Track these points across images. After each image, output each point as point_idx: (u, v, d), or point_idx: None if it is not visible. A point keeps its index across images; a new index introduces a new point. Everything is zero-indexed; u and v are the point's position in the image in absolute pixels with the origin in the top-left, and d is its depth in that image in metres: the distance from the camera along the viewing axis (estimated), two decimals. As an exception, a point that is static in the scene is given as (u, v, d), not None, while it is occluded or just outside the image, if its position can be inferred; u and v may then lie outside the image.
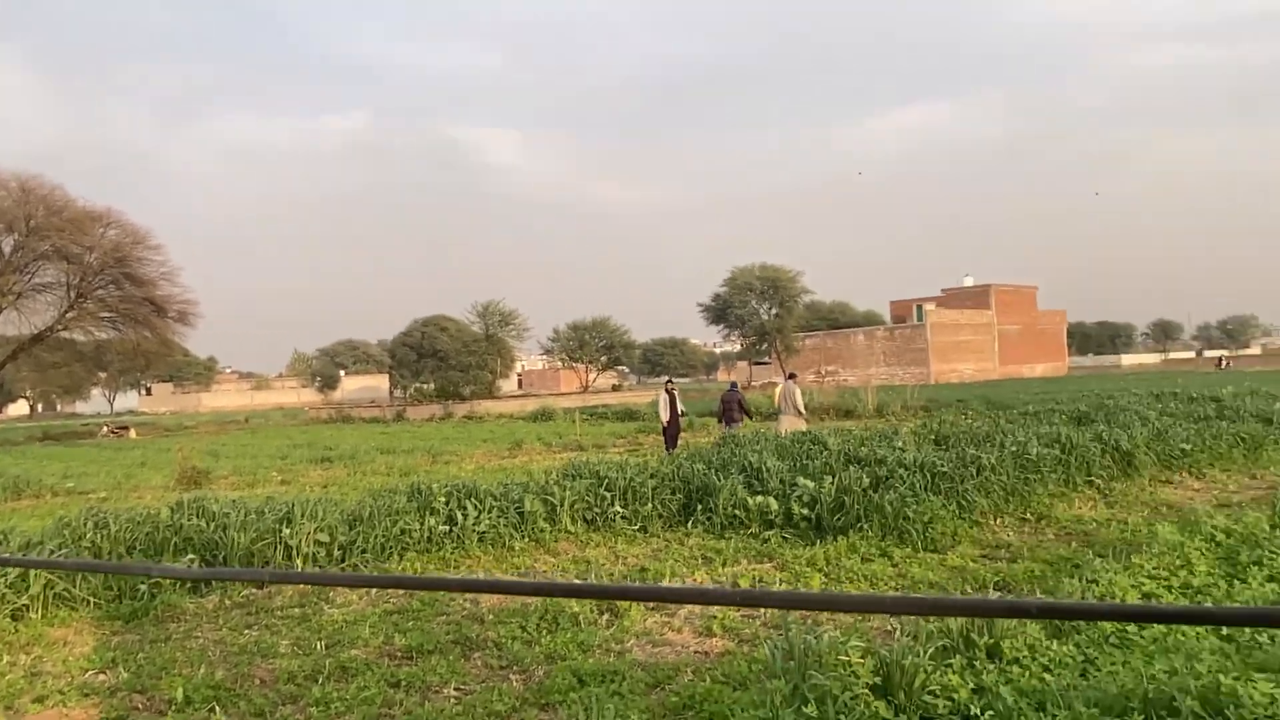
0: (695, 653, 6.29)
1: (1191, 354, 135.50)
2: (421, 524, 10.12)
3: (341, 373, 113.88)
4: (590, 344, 76.32)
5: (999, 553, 9.07)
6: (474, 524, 10.18)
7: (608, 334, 77.17)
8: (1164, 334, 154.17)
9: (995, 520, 10.55)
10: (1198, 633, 5.59)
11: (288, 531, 9.35)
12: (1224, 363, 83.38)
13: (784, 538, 9.91)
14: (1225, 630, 5.65)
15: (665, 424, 20.78)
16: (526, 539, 10.30)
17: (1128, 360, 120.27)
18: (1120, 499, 11.97)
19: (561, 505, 10.75)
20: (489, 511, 10.36)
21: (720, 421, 20.74)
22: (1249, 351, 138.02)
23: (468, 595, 8.18)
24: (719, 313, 74.48)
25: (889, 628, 6.15)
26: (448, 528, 10.16)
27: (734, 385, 23.31)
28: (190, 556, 8.95)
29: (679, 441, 20.52)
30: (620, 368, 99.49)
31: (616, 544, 10.19)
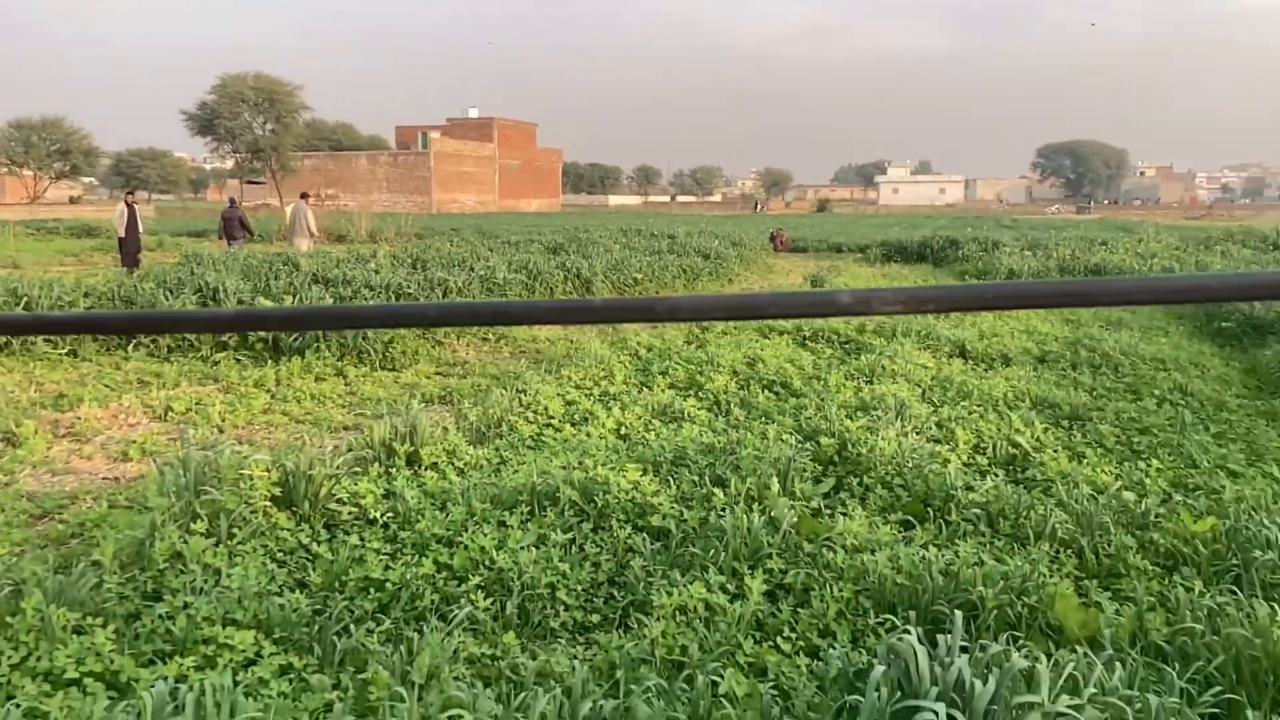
0: (104, 479, 5.71)
1: (667, 198, 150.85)
2: None
3: None
4: (39, 146, 65.00)
5: (454, 369, 9.39)
6: None
7: (62, 137, 66.26)
8: (645, 179, 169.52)
9: (458, 340, 10.88)
10: (602, 434, 6.23)
11: None
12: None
13: (237, 360, 9.34)
14: (622, 432, 6.37)
15: (122, 239, 18.56)
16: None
17: (614, 201, 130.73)
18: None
19: (-38, 328, 9.10)
20: None
21: (221, 238, 19.39)
22: (712, 199, 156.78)
23: None
24: (206, 123, 67.25)
25: (300, 443, 6.00)
26: None
27: (233, 201, 21.77)
28: None
29: (140, 261, 18.44)
30: (86, 179, 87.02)
31: (35, 369, 8.90)
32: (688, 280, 17.62)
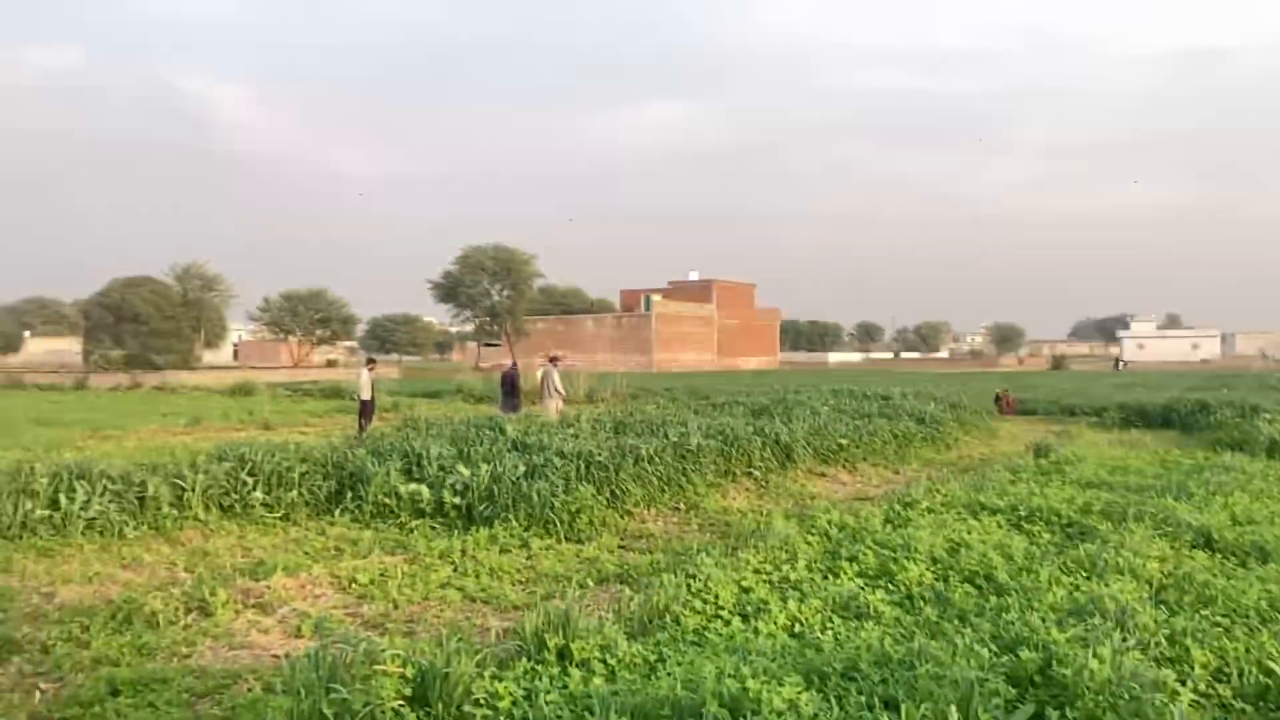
0: (274, 656, 5.77)
1: (890, 354, 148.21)
2: (15, 508, 8.89)
3: (26, 333, 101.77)
4: (304, 315, 72.28)
5: (638, 543, 9.15)
6: (81, 509, 9.06)
7: (324, 306, 73.51)
8: (867, 335, 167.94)
9: (648, 510, 10.69)
10: (773, 631, 5.74)
11: None
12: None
13: (433, 527, 9.53)
14: (796, 629, 5.85)
15: (365, 402, 19.99)
16: (146, 526, 9.29)
17: (834, 358, 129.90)
18: (773, 490, 12.53)
19: (193, 489, 9.80)
20: (102, 495, 9.26)
21: (509, 396, 21.00)
22: (938, 355, 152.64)
23: (44, 587, 7.23)
24: (449, 291, 73.03)
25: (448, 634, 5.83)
26: (49, 512, 8.99)
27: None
28: None
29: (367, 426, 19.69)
30: (348, 343, 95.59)
31: (248, 533, 9.41)
32: (899, 447, 16.76)
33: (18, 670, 5.46)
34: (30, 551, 8.46)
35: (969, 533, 8.37)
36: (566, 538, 9.11)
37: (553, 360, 21.85)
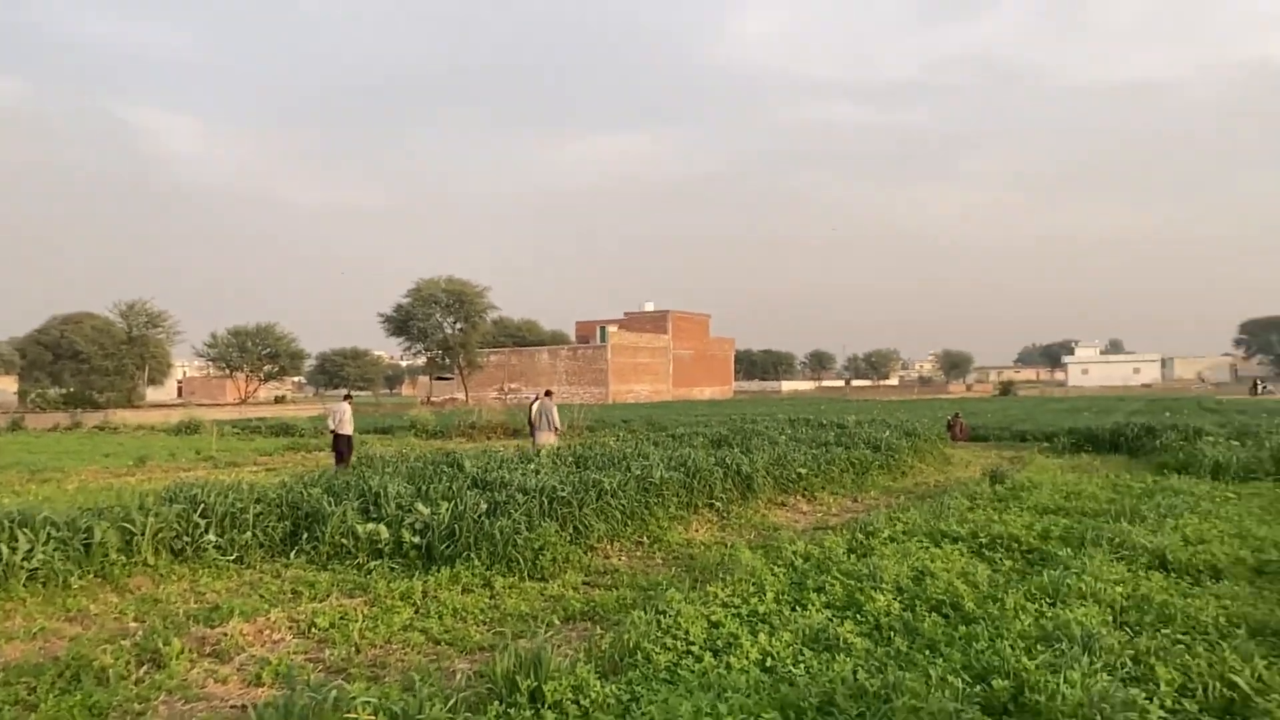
0: (232, 707, 5.58)
1: (841, 382, 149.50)
2: (-51, 560, 8.55)
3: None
4: (253, 351, 71.20)
5: (603, 579, 9.04)
6: (24, 559, 8.73)
7: (273, 341, 72.47)
8: (819, 363, 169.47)
9: (611, 545, 10.60)
10: (744, 666, 5.69)
11: None
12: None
13: (392, 568, 9.34)
14: (768, 663, 5.81)
15: (342, 436, 19.84)
16: (93, 574, 8.98)
17: (787, 386, 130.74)
18: (735, 521, 12.51)
19: (142, 533, 9.51)
20: (45, 543, 8.94)
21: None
22: (888, 382, 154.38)
23: (-12, 647, 6.94)
24: (400, 324, 72.38)
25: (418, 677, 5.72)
26: (-11, 563, 8.65)
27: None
28: None
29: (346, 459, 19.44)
30: (296, 378, 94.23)
31: (201, 578, 9.14)
32: (857, 475, 16.86)
33: (-42, 733, 5.22)
34: (-31, 604, 8.13)
35: (932, 561, 8.41)
36: (530, 575, 8.98)
37: (548, 394, 22.02)
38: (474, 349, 72.35)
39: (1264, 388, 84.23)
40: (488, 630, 7.25)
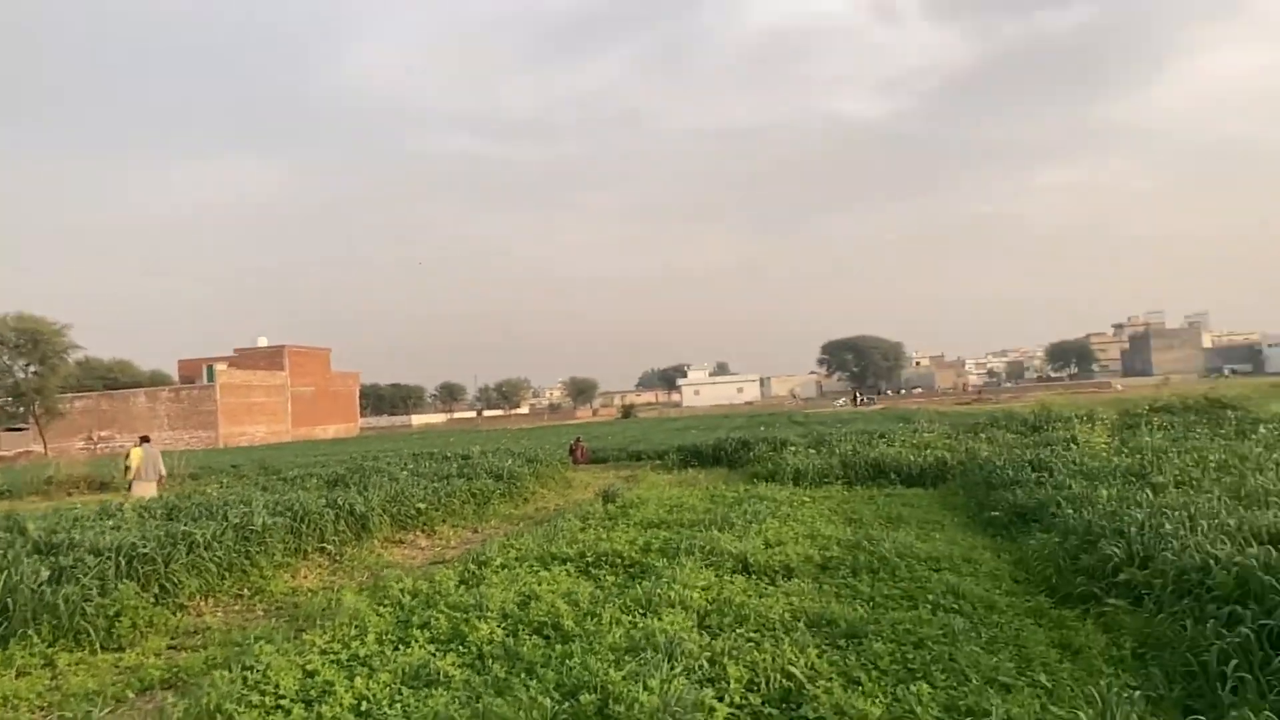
0: None
1: (473, 413, 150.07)
2: None
3: None
4: None
5: (192, 640, 8.27)
6: None
7: None
8: (450, 395, 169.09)
9: (206, 601, 9.76)
10: (336, 714, 5.44)
11: None
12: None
13: (-77, 656, 7.90)
14: (363, 708, 5.59)
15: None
16: None
17: (418, 420, 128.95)
18: (349, 563, 12.03)
19: None
20: None
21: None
22: (520, 411, 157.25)
23: None
24: (-42, 369, 62.27)
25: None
26: None
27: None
28: None
29: None
30: None
31: None
32: (478, 505, 16.90)
33: None
34: None
35: (540, 584, 8.60)
36: (104, 646, 8.00)
37: (145, 440, 20.52)
38: (53, 394, 63.85)
39: (865, 399, 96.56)
40: (43, 717, 6.35)
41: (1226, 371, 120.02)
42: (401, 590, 8.66)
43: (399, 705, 5.56)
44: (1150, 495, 10.14)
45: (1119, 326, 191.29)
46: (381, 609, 8.11)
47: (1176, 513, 8.53)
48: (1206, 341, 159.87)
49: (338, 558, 12.28)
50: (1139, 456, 14.21)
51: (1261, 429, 18.12)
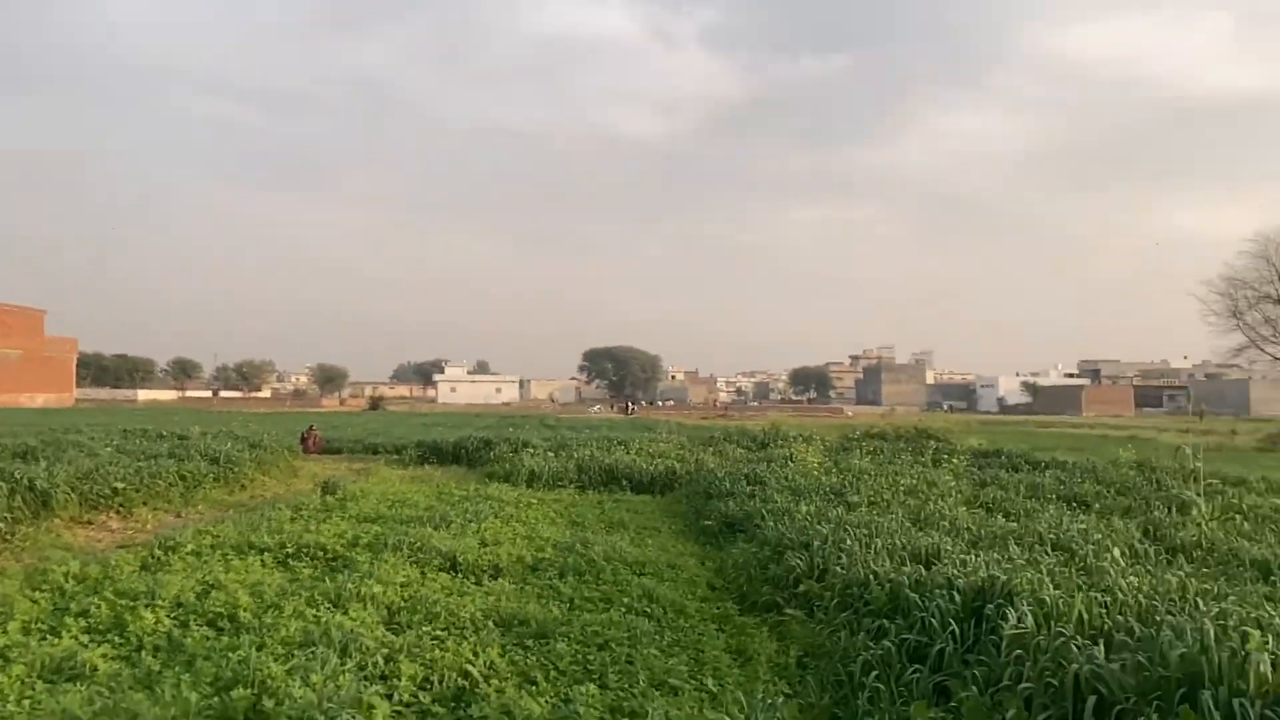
0: None
1: (209, 392, 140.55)
2: None
3: None
4: None
5: None
6: None
7: None
8: (184, 371, 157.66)
9: None
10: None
11: None
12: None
13: None
14: (-23, 699, 5.01)
15: None
16: None
17: (145, 395, 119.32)
18: (19, 544, 10.86)
19: None
20: None
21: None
22: (261, 394, 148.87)
23: None
24: None
25: None
26: None
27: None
28: None
29: None
30: None
31: None
32: (187, 489, 15.73)
33: None
34: None
35: (227, 573, 8.10)
36: None
37: None
38: None
39: (633, 408, 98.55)
40: None
41: (945, 406, 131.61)
42: (65, 574, 7.88)
43: (27, 701, 5.02)
44: (843, 513, 10.88)
45: (855, 358, 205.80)
46: (37, 594, 7.34)
47: (859, 530, 9.19)
48: (930, 378, 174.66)
49: (7, 537, 11.05)
50: (844, 476, 15.26)
51: (955, 460, 19.96)
